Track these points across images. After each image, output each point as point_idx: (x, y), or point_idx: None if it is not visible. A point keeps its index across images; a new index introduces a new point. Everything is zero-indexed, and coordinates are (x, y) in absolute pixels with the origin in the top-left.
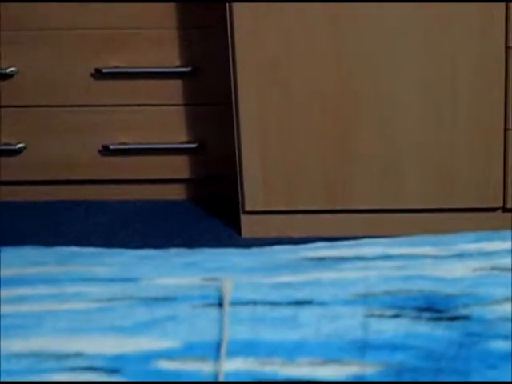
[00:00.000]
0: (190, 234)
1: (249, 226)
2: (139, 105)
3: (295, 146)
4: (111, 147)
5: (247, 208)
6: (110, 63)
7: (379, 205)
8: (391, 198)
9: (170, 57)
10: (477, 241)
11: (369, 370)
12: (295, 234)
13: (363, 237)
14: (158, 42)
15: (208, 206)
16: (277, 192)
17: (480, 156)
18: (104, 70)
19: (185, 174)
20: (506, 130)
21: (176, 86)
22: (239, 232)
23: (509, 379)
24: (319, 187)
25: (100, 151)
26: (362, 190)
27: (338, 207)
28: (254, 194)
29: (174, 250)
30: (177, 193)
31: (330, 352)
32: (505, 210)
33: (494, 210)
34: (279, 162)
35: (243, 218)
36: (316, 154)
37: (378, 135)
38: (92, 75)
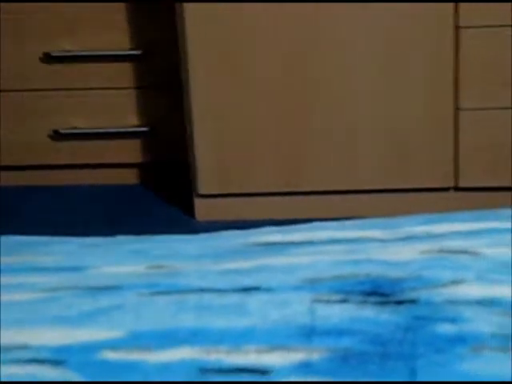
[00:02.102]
0: (143, 219)
1: (203, 209)
2: (90, 88)
3: (249, 128)
4: (62, 131)
5: (201, 191)
6: (60, 46)
7: (334, 186)
8: (346, 180)
9: (120, 40)
10: (424, 223)
11: (315, 356)
12: (250, 217)
13: (320, 219)
14: (108, 25)
15: (161, 190)
16: (231, 175)
17: (432, 136)
18: (53, 54)
19: (137, 158)
20: (456, 109)
21: (127, 69)
22: (193, 216)
23: (456, 363)
24: (274, 169)
25: (50, 136)
26: (317, 172)
27: (293, 189)
28: (207, 177)
29: (120, 238)
30: (129, 177)
31: (277, 339)
32: (457, 189)
33: (446, 189)
34: (233, 145)
35: (197, 201)
36: (270, 135)
37: (333, 118)
38: (41, 59)
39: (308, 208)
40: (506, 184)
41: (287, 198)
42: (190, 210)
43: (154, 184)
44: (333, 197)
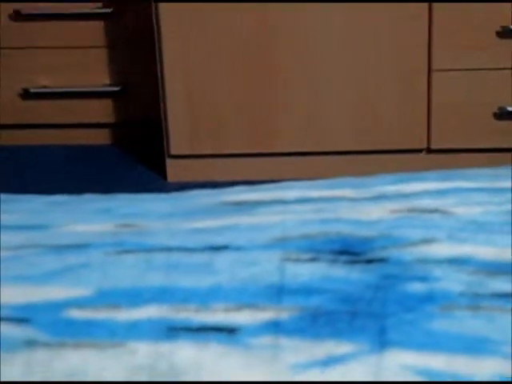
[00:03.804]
0: (114, 180)
1: (174, 170)
2: (61, 47)
3: (221, 88)
4: (32, 91)
5: (172, 152)
6: (31, 5)
7: (306, 148)
8: (317, 141)
9: None
10: (395, 182)
11: (284, 315)
12: (222, 178)
13: (291, 180)
14: None
15: (132, 151)
16: (202, 136)
17: (405, 98)
18: (24, 12)
19: (108, 118)
20: (429, 71)
21: (98, 27)
22: (165, 176)
23: (425, 322)
24: (245, 131)
25: (20, 95)
26: (289, 134)
27: (264, 151)
28: (179, 137)
29: (87, 196)
30: (100, 137)
31: (245, 297)
32: (429, 151)
33: (418, 151)
34: (205, 106)
35: (168, 162)
36: (242, 97)
37: (304, 79)
38: (10, 16)
39: (279, 169)
40: (478, 146)
41: (259, 159)
42: (162, 171)
43: (126, 145)
44: (304, 158)
